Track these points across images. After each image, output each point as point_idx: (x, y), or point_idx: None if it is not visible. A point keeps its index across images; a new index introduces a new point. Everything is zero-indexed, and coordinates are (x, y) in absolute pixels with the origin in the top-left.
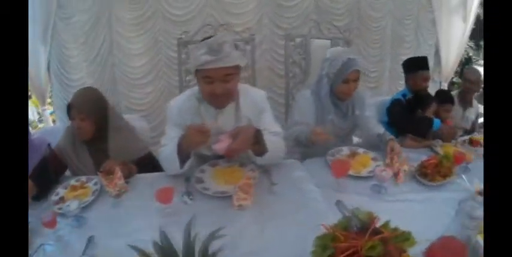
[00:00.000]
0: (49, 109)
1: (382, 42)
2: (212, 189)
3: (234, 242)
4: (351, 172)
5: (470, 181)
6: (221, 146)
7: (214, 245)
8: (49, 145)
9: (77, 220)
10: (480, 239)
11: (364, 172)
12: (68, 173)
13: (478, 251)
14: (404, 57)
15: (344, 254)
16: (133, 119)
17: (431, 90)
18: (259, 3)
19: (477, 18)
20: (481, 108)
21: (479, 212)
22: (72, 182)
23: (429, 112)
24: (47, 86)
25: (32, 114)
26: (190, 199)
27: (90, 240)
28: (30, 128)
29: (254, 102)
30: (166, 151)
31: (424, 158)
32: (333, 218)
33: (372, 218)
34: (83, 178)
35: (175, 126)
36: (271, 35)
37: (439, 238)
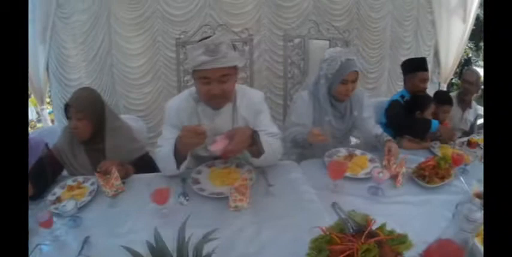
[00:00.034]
0: (48, 108)
1: (381, 43)
2: (208, 190)
3: (230, 243)
4: (348, 174)
5: (468, 183)
6: (218, 147)
7: (208, 247)
8: (46, 144)
9: (73, 220)
10: (477, 242)
11: (361, 174)
12: (64, 173)
13: (476, 254)
14: (404, 58)
15: None
16: (131, 120)
17: (430, 91)
18: (258, 4)
19: (477, 19)
20: (480, 109)
21: (477, 214)
22: (69, 182)
23: (428, 113)
24: (46, 85)
25: (31, 113)
26: (187, 200)
27: (86, 240)
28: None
29: (251, 103)
30: (163, 151)
31: (422, 159)
32: (329, 220)
33: (368, 220)
34: (80, 178)
35: (172, 127)
36: (270, 36)
37: (436, 241)
